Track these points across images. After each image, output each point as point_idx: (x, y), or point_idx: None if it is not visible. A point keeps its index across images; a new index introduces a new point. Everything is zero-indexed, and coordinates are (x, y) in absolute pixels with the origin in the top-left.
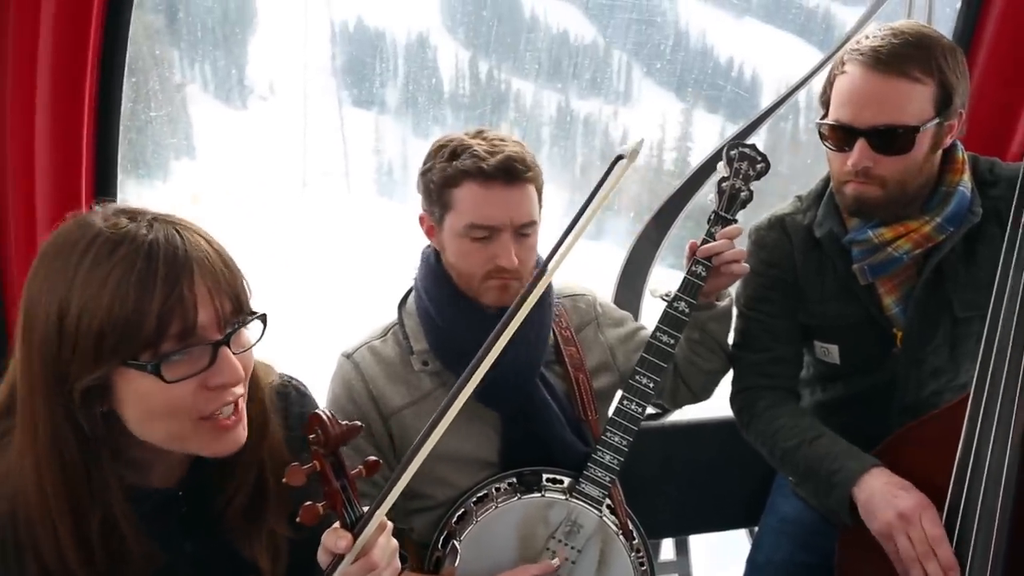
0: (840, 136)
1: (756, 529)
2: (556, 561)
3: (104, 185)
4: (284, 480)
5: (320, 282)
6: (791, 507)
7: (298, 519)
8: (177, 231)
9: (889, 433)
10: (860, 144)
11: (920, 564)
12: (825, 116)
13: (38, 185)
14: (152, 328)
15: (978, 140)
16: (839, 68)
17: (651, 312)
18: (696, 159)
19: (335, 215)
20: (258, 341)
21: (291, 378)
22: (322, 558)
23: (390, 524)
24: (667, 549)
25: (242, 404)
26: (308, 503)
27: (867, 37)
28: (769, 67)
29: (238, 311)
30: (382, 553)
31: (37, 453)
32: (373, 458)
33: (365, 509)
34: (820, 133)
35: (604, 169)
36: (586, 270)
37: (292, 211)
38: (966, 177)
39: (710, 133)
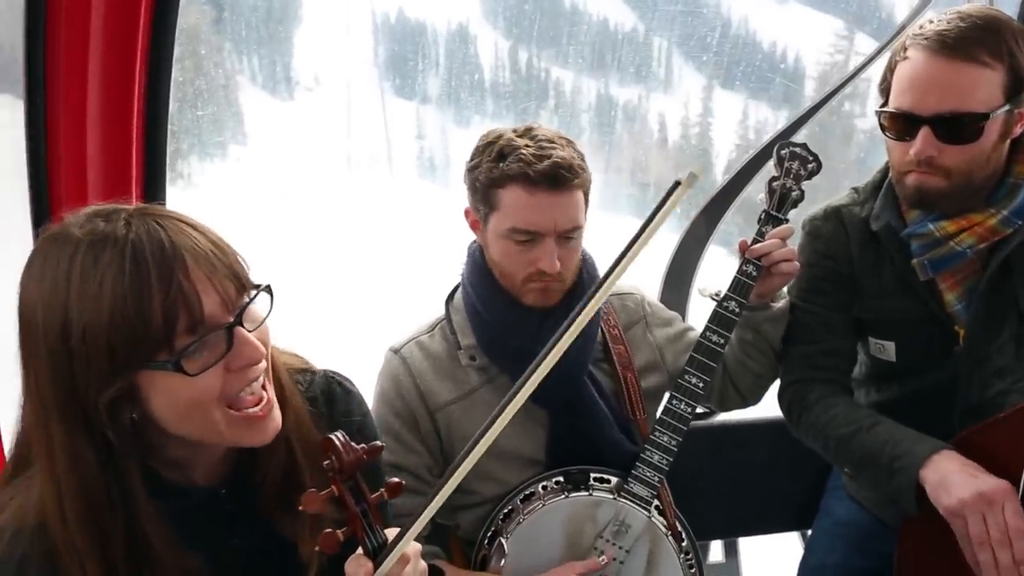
0: (901, 124)
1: (809, 532)
2: (603, 559)
3: (153, 186)
4: (300, 507)
5: (362, 262)
6: (845, 510)
7: (317, 548)
8: (158, 223)
9: (951, 437)
10: (923, 132)
11: (991, 550)
12: (885, 104)
13: (90, 188)
14: (160, 327)
15: None
16: (900, 54)
17: (698, 311)
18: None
19: (378, 197)
20: (269, 313)
21: (335, 374)
22: None
23: (416, 548)
24: (716, 551)
25: (269, 388)
26: (328, 531)
27: (931, 21)
28: (813, 54)
29: (241, 289)
30: None
31: (56, 478)
32: (396, 480)
33: (395, 531)
34: (880, 122)
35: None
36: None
37: (337, 193)
38: None
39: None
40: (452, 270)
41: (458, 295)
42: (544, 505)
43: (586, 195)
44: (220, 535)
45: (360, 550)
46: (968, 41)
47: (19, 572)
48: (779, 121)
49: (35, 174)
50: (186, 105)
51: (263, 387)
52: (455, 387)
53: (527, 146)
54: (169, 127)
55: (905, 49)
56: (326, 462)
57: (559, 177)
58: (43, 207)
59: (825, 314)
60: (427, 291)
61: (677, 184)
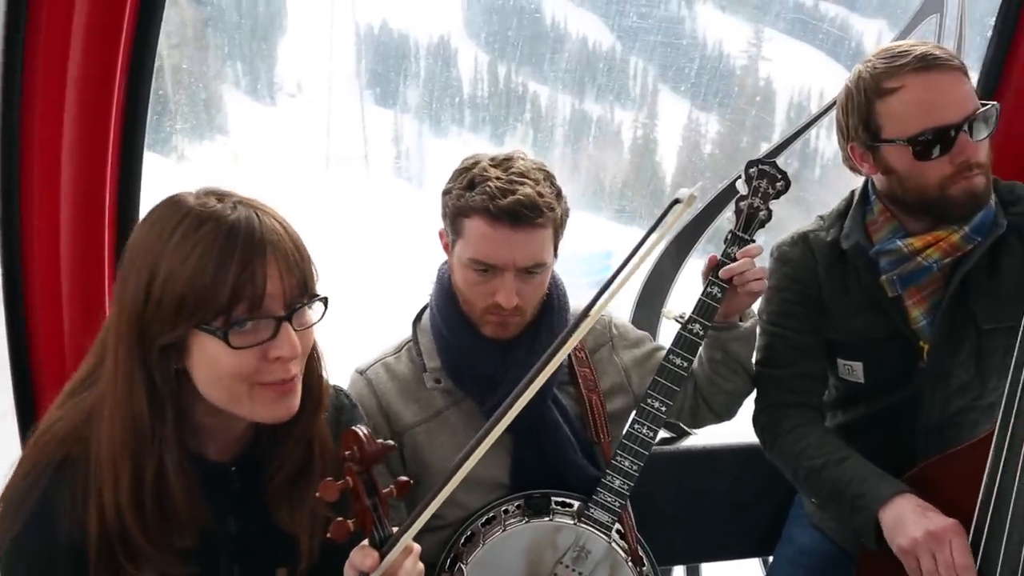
0: (937, 142)
1: (771, 559)
2: None
3: (127, 199)
4: (317, 494)
5: (339, 260)
6: (808, 538)
7: (328, 535)
8: (257, 214)
9: (914, 454)
10: (963, 137)
11: None
12: (877, 141)
13: (63, 193)
14: (225, 298)
15: (1009, 166)
16: (883, 89)
17: (671, 331)
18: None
19: (355, 194)
20: (319, 321)
21: (341, 389)
22: (348, 574)
23: (417, 547)
24: None
25: (298, 378)
26: (339, 519)
27: (887, 57)
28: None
29: (303, 292)
30: (408, 574)
31: (114, 399)
32: (404, 478)
33: (395, 529)
34: (913, 150)
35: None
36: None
37: (315, 190)
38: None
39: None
40: (421, 265)
41: (425, 316)
42: (505, 530)
43: (557, 231)
44: (220, 511)
45: (366, 541)
46: (944, 56)
47: (58, 470)
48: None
49: (7, 170)
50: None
51: (291, 380)
52: (420, 409)
53: (497, 178)
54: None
55: (882, 83)
56: (347, 452)
57: (520, 215)
58: (13, 205)
59: (796, 338)
60: (397, 282)
61: (676, 202)
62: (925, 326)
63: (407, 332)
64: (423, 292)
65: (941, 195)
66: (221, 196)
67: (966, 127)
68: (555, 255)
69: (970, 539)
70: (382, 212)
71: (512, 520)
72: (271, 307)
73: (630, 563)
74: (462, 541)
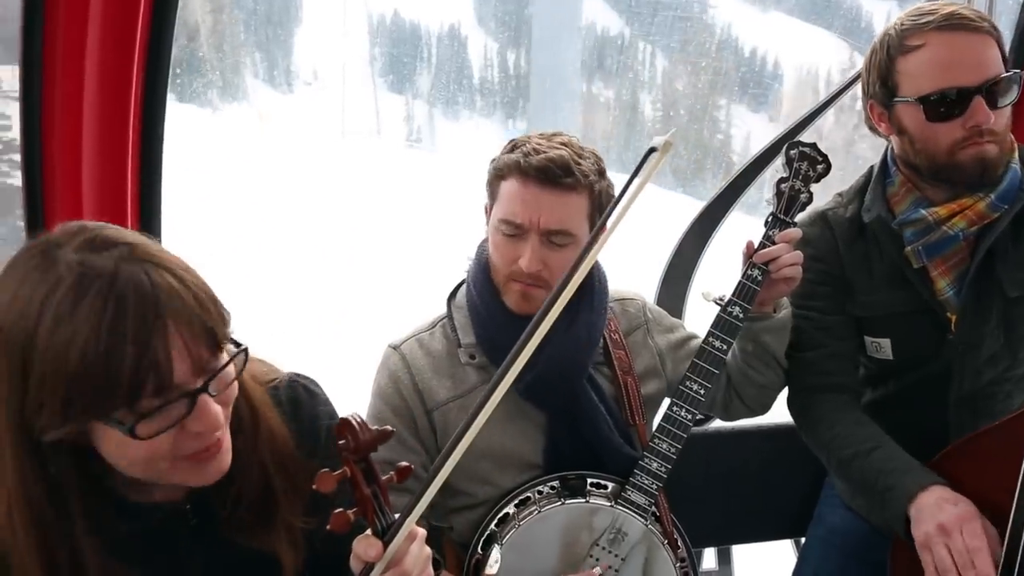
0: (950, 103)
1: (802, 540)
2: (598, 570)
3: (148, 188)
4: (314, 486)
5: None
6: (839, 518)
7: (328, 527)
8: (147, 273)
9: (947, 428)
10: (978, 102)
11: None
12: (894, 99)
13: (85, 189)
14: (125, 389)
15: None
16: (905, 47)
17: (695, 315)
18: None
19: (368, 165)
20: (238, 375)
21: (298, 376)
22: (354, 565)
23: (422, 532)
24: (709, 559)
25: (224, 436)
26: (339, 510)
27: (916, 15)
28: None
29: (216, 350)
30: (414, 561)
31: (8, 499)
32: (404, 464)
33: (398, 516)
34: (924, 110)
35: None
36: None
37: (331, 156)
38: (1016, 156)
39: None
40: (432, 227)
41: (461, 292)
42: (540, 511)
43: (595, 205)
44: (185, 550)
45: (369, 531)
46: (974, 17)
47: None
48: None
49: (30, 169)
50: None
51: (213, 444)
52: (453, 385)
53: (538, 143)
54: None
55: (905, 40)
56: (341, 442)
57: (549, 172)
58: (37, 204)
59: (822, 318)
60: (408, 241)
61: (652, 151)
62: (952, 296)
63: (440, 308)
64: (429, 249)
65: (949, 160)
66: (102, 244)
67: (983, 92)
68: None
69: (1011, 518)
70: (394, 177)
71: (547, 502)
72: (183, 384)
73: (667, 546)
74: (495, 522)
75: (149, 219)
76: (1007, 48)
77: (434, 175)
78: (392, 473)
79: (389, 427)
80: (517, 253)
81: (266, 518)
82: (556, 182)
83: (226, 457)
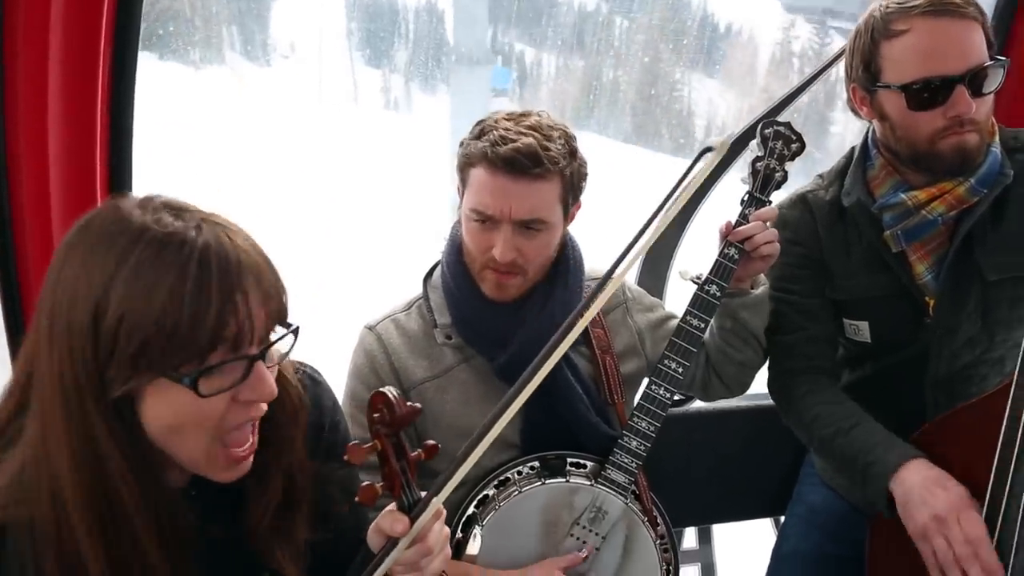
0: (933, 91)
1: (782, 519)
2: (584, 552)
3: (119, 174)
4: (345, 457)
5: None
6: (819, 496)
7: (356, 498)
8: (228, 235)
9: (924, 410)
10: (960, 91)
11: (959, 568)
12: (876, 84)
13: (52, 175)
14: (205, 341)
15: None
16: (890, 31)
17: (676, 295)
18: None
19: (346, 130)
20: (288, 353)
21: (302, 364)
22: (373, 540)
23: (443, 511)
24: (689, 538)
25: (255, 434)
26: (366, 483)
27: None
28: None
29: (278, 323)
30: (437, 539)
31: (71, 451)
32: (432, 442)
33: (422, 494)
34: (906, 98)
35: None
36: None
37: (309, 120)
38: (996, 139)
39: None
40: (405, 186)
41: (436, 274)
42: (520, 492)
43: (567, 189)
44: (184, 540)
45: (394, 506)
46: (960, 2)
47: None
48: None
49: None
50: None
51: (250, 445)
52: (430, 365)
53: (506, 129)
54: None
55: (890, 24)
56: (375, 415)
57: (517, 164)
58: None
59: (802, 301)
60: (380, 206)
61: (707, 150)
62: (930, 281)
63: (417, 281)
64: (407, 217)
65: (930, 149)
66: (179, 211)
67: (967, 81)
68: (566, 216)
69: (988, 496)
70: (371, 141)
71: (527, 482)
72: (248, 345)
73: (647, 523)
74: (475, 504)
75: (120, 181)
76: None
77: (411, 139)
78: (420, 450)
79: (419, 404)
80: (490, 242)
81: (282, 530)
82: (525, 173)
83: (248, 465)
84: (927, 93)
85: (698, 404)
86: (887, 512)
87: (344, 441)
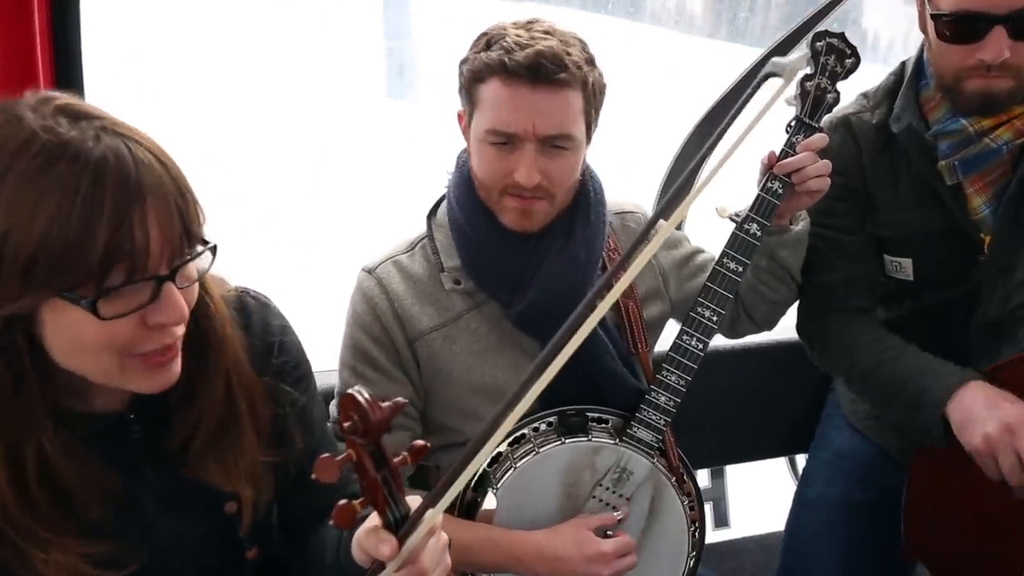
0: (966, 27)
1: (798, 459)
2: (619, 514)
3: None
4: (313, 476)
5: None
6: (846, 439)
7: (331, 522)
8: (128, 147)
9: (965, 352)
10: (997, 32)
11: None
12: (926, 4)
13: None
14: (97, 262)
15: None
16: None
17: (696, 234)
18: None
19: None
20: (203, 273)
21: (246, 290)
22: (358, 556)
23: (440, 519)
24: (701, 475)
25: (179, 341)
26: (342, 502)
27: None
28: None
29: (188, 243)
30: (432, 557)
31: None
32: (420, 442)
33: (416, 499)
34: (936, 27)
35: None
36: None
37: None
38: None
39: None
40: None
41: (442, 210)
42: (538, 452)
43: (589, 101)
44: (130, 465)
45: (379, 521)
46: None
47: None
48: None
49: None
50: None
51: (168, 348)
52: (437, 313)
53: (517, 35)
54: None
55: None
56: (346, 424)
57: (541, 68)
58: None
59: (839, 238)
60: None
61: (771, 75)
62: (987, 216)
63: (420, 227)
64: (404, 164)
65: (954, 85)
66: (76, 116)
67: (1008, 23)
68: (588, 138)
69: None
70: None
71: (545, 440)
72: (151, 265)
73: (674, 483)
74: (487, 462)
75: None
76: None
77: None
78: (405, 454)
79: (402, 399)
80: (511, 166)
81: (230, 448)
82: (549, 79)
83: (178, 366)
84: (955, 28)
85: (715, 342)
86: (941, 440)
87: (297, 364)
